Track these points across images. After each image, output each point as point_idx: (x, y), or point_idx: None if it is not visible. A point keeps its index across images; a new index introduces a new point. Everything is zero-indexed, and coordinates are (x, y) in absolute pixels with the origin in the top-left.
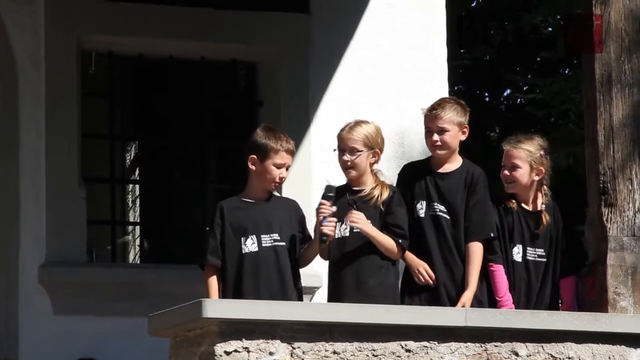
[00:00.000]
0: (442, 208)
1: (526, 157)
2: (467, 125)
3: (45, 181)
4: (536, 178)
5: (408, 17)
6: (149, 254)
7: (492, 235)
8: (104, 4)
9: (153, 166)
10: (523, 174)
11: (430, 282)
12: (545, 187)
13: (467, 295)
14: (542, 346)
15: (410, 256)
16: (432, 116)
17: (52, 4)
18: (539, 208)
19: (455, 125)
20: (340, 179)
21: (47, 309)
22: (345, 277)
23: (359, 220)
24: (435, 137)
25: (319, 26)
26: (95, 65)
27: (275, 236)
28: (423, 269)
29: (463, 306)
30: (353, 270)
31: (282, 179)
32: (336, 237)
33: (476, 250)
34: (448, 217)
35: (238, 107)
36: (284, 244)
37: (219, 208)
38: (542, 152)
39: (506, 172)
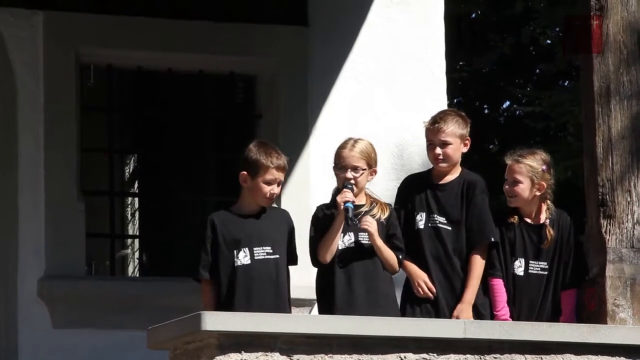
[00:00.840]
0: (442, 219)
1: (527, 172)
2: (468, 137)
3: (45, 195)
4: (537, 193)
5: (406, 29)
6: (148, 267)
7: (492, 239)
8: (103, 17)
9: (152, 179)
10: (524, 189)
11: (430, 295)
12: (548, 201)
13: (459, 308)
14: (541, 358)
15: (411, 267)
16: (434, 129)
17: (51, 17)
18: (542, 222)
19: (457, 138)
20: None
21: (46, 322)
22: (352, 288)
23: (372, 225)
24: (438, 150)
25: (318, 39)
26: (94, 78)
27: (268, 249)
28: (422, 282)
29: (457, 318)
30: (359, 282)
31: (273, 195)
32: (339, 248)
33: (477, 263)
34: (449, 228)
35: (237, 119)
36: (277, 256)
37: (210, 221)
38: (544, 167)
39: (507, 186)
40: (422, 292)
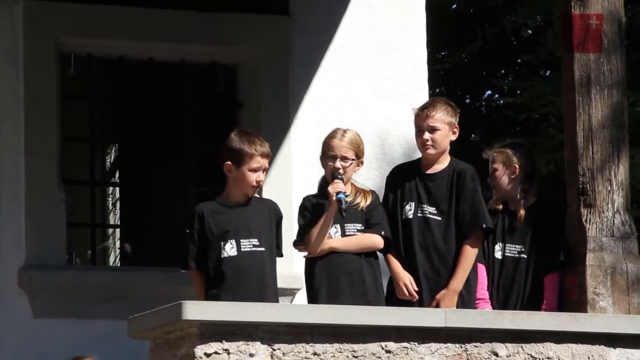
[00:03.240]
0: (432, 209)
1: (500, 159)
2: (457, 126)
3: (25, 184)
4: (512, 176)
5: (388, 19)
6: (129, 257)
7: (484, 225)
8: (83, 6)
9: (133, 169)
10: (500, 175)
11: (413, 297)
12: (529, 185)
13: (443, 293)
14: (522, 346)
15: (394, 267)
16: (423, 115)
17: (31, 6)
18: (520, 205)
19: (446, 125)
20: (315, 182)
21: (26, 312)
22: (338, 279)
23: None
24: (427, 135)
25: (299, 28)
26: (75, 67)
27: (255, 241)
28: (404, 284)
29: (437, 305)
30: (344, 273)
31: (259, 183)
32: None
33: (469, 252)
34: (439, 219)
35: (218, 109)
36: (263, 249)
37: (197, 212)
38: (514, 150)
39: (489, 179)
40: (405, 295)
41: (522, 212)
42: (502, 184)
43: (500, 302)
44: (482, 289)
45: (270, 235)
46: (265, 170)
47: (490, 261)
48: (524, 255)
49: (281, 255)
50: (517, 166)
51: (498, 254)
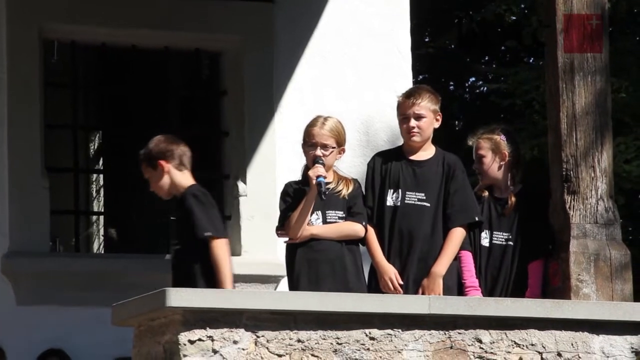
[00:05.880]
0: (422, 196)
1: (488, 145)
2: (440, 113)
3: (8, 171)
4: (501, 162)
5: (372, 6)
6: (113, 244)
7: (477, 219)
8: None
9: (117, 156)
10: (488, 162)
11: (398, 292)
12: (516, 171)
13: (431, 279)
14: (506, 333)
15: (378, 259)
16: (408, 103)
17: None
18: (509, 192)
19: (430, 112)
20: (299, 169)
21: (10, 299)
22: (319, 265)
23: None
24: (413, 123)
25: (283, 15)
26: (58, 54)
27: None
28: (388, 278)
29: (423, 292)
30: (325, 259)
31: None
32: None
33: (456, 236)
34: (428, 205)
35: (202, 96)
36: (179, 247)
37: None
38: (502, 137)
39: (475, 165)
40: (390, 289)
41: (513, 199)
42: (491, 172)
43: (488, 289)
44: (472, 277)
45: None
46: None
47: (477, 248)
48: (510, 243)
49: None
50: (506, 153)
51: (485, 242)
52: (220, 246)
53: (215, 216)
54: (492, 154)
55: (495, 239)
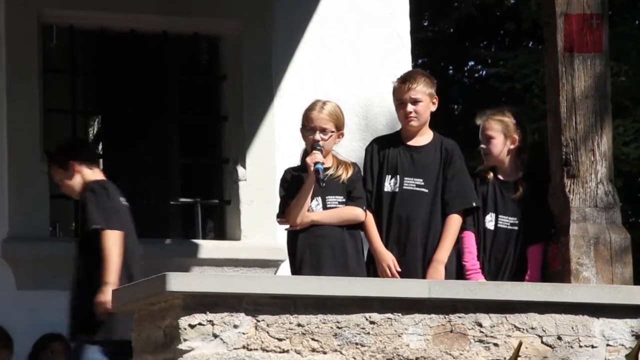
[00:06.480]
0: (420, 182)
1: (499, 128)
2: (436, 96)
3: (8, 156)
4: (511, 147)
5: None
6: None
7: (474, 204)
8: None
9: (116, 141)
10: (497, 144)
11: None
12: (523, 156)
13: (434, 266)
14: (506, 317)
15: (376, 245)
16: (404, 88)
17: None
18: (516, 177)
19: (427, 96)
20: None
21: (10, 284)
22: (320, 250)
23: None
24: (410, 108)
25: (282, 0)
26: (57, 39)
27: None
28: (387, 265)
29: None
30: (326, 244)
31: None
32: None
33: (454, 223)
34: (426, 191)
35: (201, 81)
36: None
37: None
38: (513, 121)
39: (482, 145)
40: (388, 275)
41: (524, 184)
42: (499, 154)
43: (492, 273)
44: (473, 259)
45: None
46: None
47: (481, 231)
48: (515, 228)
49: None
50: (516, 137)
51: (490, 225)
52: (109, 238)
53: (111, 209)
54: (503, 137)
55: (501, 222)
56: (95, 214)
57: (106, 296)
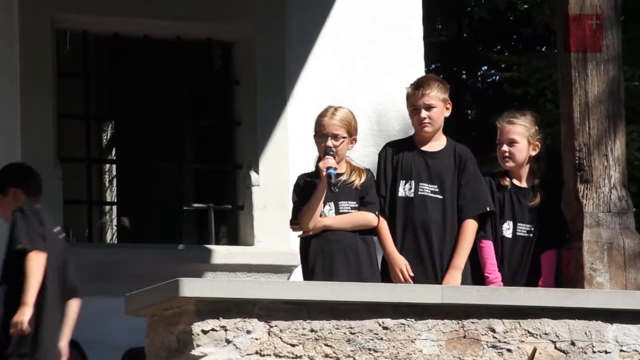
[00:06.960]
0: (434, 188)
1: (523, 132)
2: (450, 101)
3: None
4: (533, 153)
5: None
6: (126, 234)
7: (488, 209)
8: None
9: (129, 146)
10: (521, 149)
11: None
12: (540, 162)
13: (451, 273)
14: (519, 322)
15: (390, 250)
16: (418, 94)
17: None
18: (532, 184)
19: (440, 102)
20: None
21: None
22: (332, 255)
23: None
24: (424, 114)
25: (295, 5)
26: (70, 44)
27: None
28: (399, 270)
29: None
30: (339, 249)
31: None
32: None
33: (470, 228)
34: (440, 197)
35: (214, 86)
36: None
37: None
38: (537, 127)
39: (504, 148)
40: (401, 280)
41: (540, 191)
42: (519, 158)
43: (508, 280)
44: (495, 270)
45: None
46: None
47: (498, 239)
48: (531, 235)
49: None
50: (538, 144)
51: (507, 233)
52: (32, 259)
53: (37, 232)
54: (527, 142)
55: (519, 231)
56: (22, 235)
57: (23, 317)
